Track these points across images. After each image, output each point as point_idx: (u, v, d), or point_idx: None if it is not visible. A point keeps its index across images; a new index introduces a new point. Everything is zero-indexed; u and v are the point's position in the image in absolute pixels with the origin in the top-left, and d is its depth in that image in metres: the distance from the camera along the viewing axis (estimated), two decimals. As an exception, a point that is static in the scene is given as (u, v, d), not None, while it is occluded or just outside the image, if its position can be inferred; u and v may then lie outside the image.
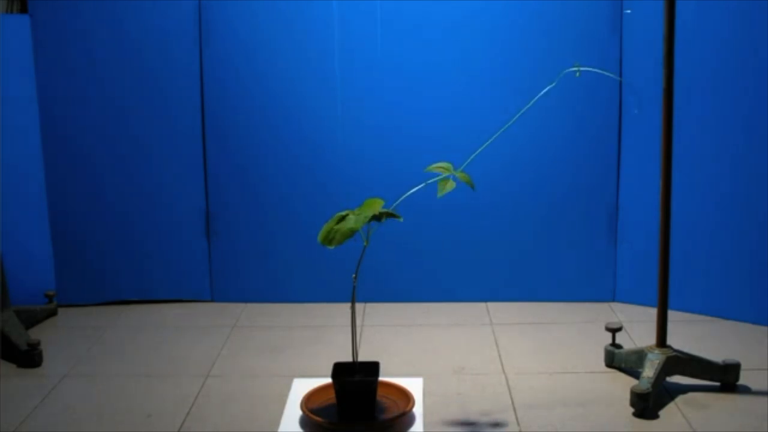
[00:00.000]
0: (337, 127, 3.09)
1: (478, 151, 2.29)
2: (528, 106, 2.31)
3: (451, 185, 2.17)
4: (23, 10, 3.06)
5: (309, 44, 3.05)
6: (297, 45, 3.05)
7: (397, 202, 2.19)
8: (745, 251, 2.87)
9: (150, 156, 3.12)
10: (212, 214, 3.16)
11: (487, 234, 3.13)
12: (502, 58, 3.03)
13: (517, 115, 2.33)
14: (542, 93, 2.30)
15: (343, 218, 2.15)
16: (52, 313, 3.08)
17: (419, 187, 2.21)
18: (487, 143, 2.33)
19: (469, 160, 2.25)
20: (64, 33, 3.03)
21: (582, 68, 2.30)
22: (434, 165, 2.23)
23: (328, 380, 2.27)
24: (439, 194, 2.17)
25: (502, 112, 3.00)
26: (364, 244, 2.16)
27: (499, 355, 2.69)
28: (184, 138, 3.11)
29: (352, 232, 2.11)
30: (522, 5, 3.00)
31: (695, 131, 2.87)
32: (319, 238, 2.15)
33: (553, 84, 2.29)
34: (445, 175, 2.19)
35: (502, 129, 2.35)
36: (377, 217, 2.11)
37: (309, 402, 2.29)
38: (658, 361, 2.32)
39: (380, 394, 2.27)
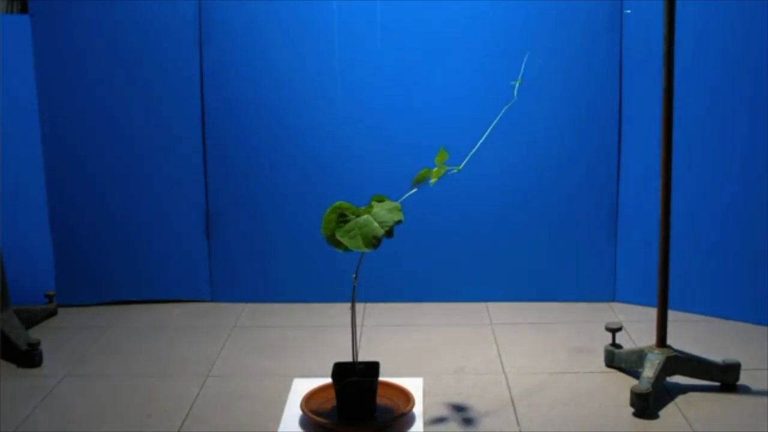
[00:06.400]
0: (336, 127, 3.09)
1: (472, 152, 2.29)
2: (493, 123, 2.33)
3: (442, 169, 2.19)
4: (23, 10, 3.06)
5: (309, 45, 3.05)
6: (297, 46, 3.05)
7: (398, 202, 2.18)
8: (745, 251, 2.87)
9: (150, 156, 3.12)
10: (212, 215, 3.16)
11: (487, 234, 3.13)
12: (502, 58, 3.02)
13: (484, 136, 2.35)
14: (501, 113, 2.32)
15: (343, 215, 2.14)
16: (52, 313, 3.08)
17: (417, 188, 2.21)
18: (478, 145, 2.33)
19: (465, 161, 2.25)
20: (64, 33, 3.03)
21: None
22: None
23: (328, 380, 2.27)
24: (432, 181, 2.18)
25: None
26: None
27: (499, 355, 2.69)
28: (184, 138, 3.11)
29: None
30: (522, 5, 3.00)
31: (695, 131, 2.87)
32: (324, 231, 2.15)
33: (512, 102, 2.31)
34: (432, 169, 2.20)
35: (488, 131, 2.35)
36: (387, 234, 2.10)
37: (309, 402, 2.29)
38: (658, 361, 2.32)
39: (380, 394, 2.27)
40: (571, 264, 3.14)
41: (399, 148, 3.07)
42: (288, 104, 3.09)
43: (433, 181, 2.20)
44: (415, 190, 2.21)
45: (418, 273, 3.17)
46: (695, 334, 2.78)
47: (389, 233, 2.10)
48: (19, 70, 3.01)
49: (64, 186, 3.11)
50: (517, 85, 2.31)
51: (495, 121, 2.31)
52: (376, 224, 2.10)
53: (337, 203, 2.17)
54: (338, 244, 2.14)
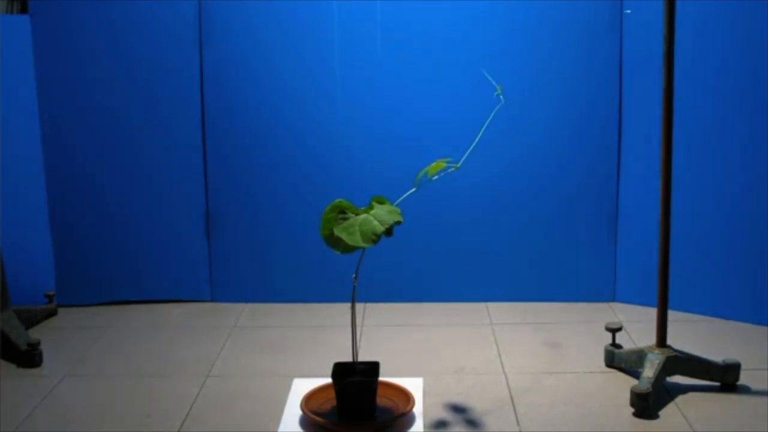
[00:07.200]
0: (336, 128, 3.09)
1: (469, 150, 2.29)
2: (484, 128, 2.32)
3: (440, 165, 2.18)
4: (23, 10, 3.06)
5: (309, 45, 3.05)
6: (297, 46, 3.05)
7: (397, 202, 2.19)
8: (745, 251, 2.87)
9: (150, 156, 3.12)
10: (212, 215, 3.16)
11: (487, 234, 3.14)
12: (502, 58, 3.03)
13: (475, 141, 2.33)
14: (492, 115, 2.31)
15: (344, 212, 2.14)
16: (52, 313, 3.08)
17: (417, 188, 2.20)
18: (474, 143, 2.33)
19: (462, 159, 2.25)
20: (64, 33, 3.03)
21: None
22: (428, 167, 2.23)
23: (328, 380, 2.27)
24: (430, 175, 2.18)
25: (501, 112, 3.02)
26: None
27: (499, 355, 2.69)
28: (184, 138, 3.11)
29: (358, 247, 2.10)
30: (522, 5, 3.00)
31: (695, 131, 2.87)
32: (323, 231, 2.15)
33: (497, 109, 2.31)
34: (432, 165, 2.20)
35: (481, 131, 2.36)
36: (387, 232, 2.11)
37: (309, 402, 2.29)
38: (658, 361, 2.32)
39: (380, 394, 2.27)
40: (571, 264, 3.14)
41: (399, 148, 3.07)
42: (288, 104, 3.09)
43: (430, 174, 2.19)
44: (414, 189, 2.20)
45: (418, 273, 3.17)
46: (695, 334, 2.78)
47: (389, 232, 2.10)
48: (19, 70, 3.01)
49: (64, 186, 3.11)
50: (500, 92, 2.30)
51: (487, 122, 2.31)
52: (375, 222, 2.10)
53: (337, 201, 2.17)
54: (336, 244, 2.14)
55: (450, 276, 3.17)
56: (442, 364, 2.63)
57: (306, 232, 3.07)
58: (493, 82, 2.32)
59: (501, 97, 2.30)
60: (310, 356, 2.71)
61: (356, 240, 2.08)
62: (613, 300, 3.15)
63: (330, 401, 2.29)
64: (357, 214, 2.14)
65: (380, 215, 2.12)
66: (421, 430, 2.22)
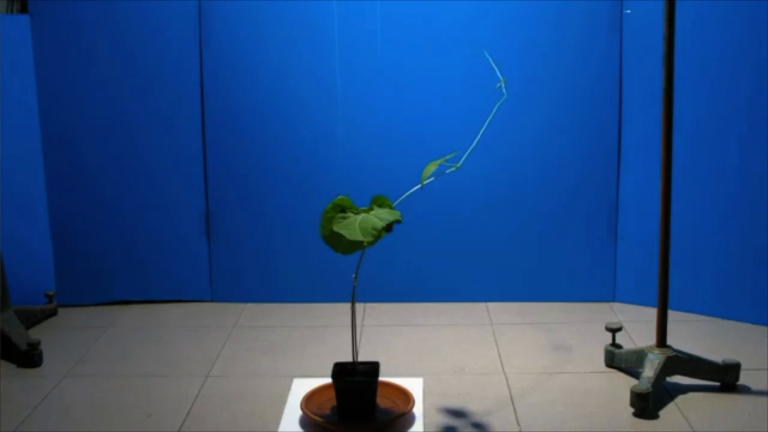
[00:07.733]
0: (336, 127, 3.09)
1: (468, 150, 2.29)
2: (489, 117, 2.32)
3: (432, 168, 2.17)
4: (23, 10, 3.06)
5: (309, 45, 3.05)
6: (297, 45, 3.05)
7: (397, 202, 2.19)
8: (745, 251, 2.87)
9: (150, 156, 3.12)
10: (212, 215, 3.16)
11: (487, 234, 3.14)
12: (502, 58, 3.01)
13: (482, 129, 2.33)
14: (494, 111, 2.31)
15: (344, 210, 2.14)
16: (52, 313, 3.08)
17: (418, 186, 2.20)
18: (474, 143, 2.32)
19: (462, 159, 2.25)
20: (64, 33, 3.03)
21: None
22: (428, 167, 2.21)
23: (328, 380, 2.27)
24: (427, 174, 2.17)
25: (501, 111, 3.01)
26: (364, 245, 2.15)
27: (499, 355, 2.69)
28: (184, 138, 3.11)
29: (360, 245, 2.10)
30: (522, 5, 3.00)
31: (695, 131, 2.88)
32: (322, 231, 2.15)
33: (504, 98, 2.30)
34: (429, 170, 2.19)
35: (482, 130, 2.35)
36: (387, 228, 2.11)
37: (309, 402, 2.29)
38: (658, 361, 2.32)
39: (380, 394, 2.27)
40: (571, 264, 3.14)
41: (399, 148, 3.07)
42: (288, 104, 3.09)
43: (425, 176, 2.18)
44: (419, 186, 2.20)
45: (418, 273, 3.17)
46: (695, 334, 2.78)
47: (389, 228, 2.10)
48: (19, 70, 3.01)
49: (64, 186, 3.11)
50: (503, 84, 2.30)
51: (488, 120, 2.31)
52: (375, 219, 2.10)
53: (338, 198, 2.17)
54: (336, 245, 2.14)
55: (450, 276, 3.17)
56: (442, 364, 2.63)
57: (306, 232, 3.07)
58: (497, 70, 2.31)
59: (504, 90, 2.30)
60: (310, 356, 2.71)
61: (356, 234, 2.07)
62: (613, 300, 3.15)
63: (330, 401, 2.29)
64: (357, 214, 2.14)
65: (380, 215, 2.12)
66: (421, 430, 2.22)
